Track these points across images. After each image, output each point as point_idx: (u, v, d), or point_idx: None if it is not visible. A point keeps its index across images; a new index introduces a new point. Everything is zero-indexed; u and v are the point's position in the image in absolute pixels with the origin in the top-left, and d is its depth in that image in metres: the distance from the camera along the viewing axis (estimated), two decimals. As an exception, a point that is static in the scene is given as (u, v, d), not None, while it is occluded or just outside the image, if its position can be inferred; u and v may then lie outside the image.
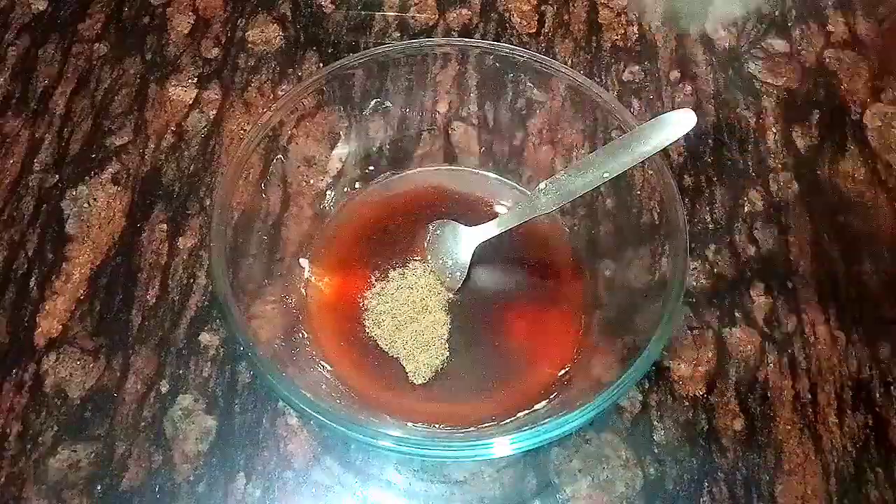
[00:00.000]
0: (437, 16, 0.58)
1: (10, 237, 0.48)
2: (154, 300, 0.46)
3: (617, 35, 0.58)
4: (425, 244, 0.45)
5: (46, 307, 0.45)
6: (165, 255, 0.47)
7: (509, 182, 0.49)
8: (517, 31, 0.58)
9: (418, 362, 0.42)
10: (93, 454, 0.41)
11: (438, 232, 0.45)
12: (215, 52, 0.56)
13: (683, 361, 0.44)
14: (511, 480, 0.41)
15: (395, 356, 0.42)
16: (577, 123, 0.46)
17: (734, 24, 0.59)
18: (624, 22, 0.58)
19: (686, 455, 0.42)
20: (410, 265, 0.45)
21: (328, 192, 0.48)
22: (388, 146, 0.49)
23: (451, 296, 0.44)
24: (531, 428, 0.34)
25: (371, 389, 0.42)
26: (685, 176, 0.51)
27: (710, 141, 0.53)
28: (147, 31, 0.57)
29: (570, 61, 0.56)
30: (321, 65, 0.56)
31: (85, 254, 0.47)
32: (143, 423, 0.42)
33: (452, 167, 0.50)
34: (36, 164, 0.51)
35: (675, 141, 0.39)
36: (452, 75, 0.50)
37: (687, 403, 0.43)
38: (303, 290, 0.45)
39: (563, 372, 0.42)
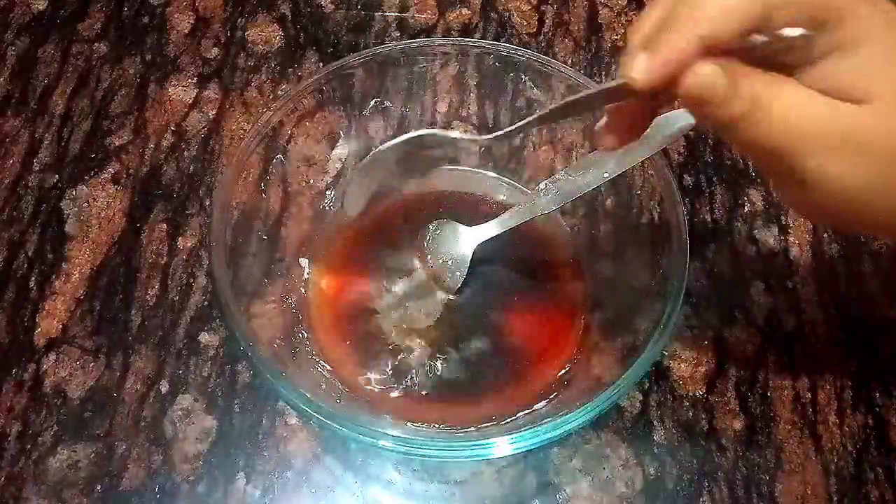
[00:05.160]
0: (436, 16, 0.58)
1: (10, 237, 0.48)
2: (154, 300, 0.46)
3: (617, 35, 0.58)
4: (425, 244, 0.45)
5: (46, 307, 0.45)
6: (165, 255, 0.47)
7: (509, 182, 0.49)
8: (517, 30, 0.58)
9: (418, 362, 0.42)
10: (93, 454, 0.41)
11: (438, 232, 0.45)
12: (215, 52, 0.56)
13: (683, 361, 0.44)
14: (511, 480, 0.41)
15: (395, 355, 0.42)
16: (577, 123, 0.46)
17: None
18: (624, 22, 0.58)
19: (686, 455, 0.42)
20: (410, 265, 0.45)
21: (328, 192, 0.48)
22: (387, 146, 0.49)
23: (450, 296, 0.44)
24: (531, 428, 0.34)
25: (371, 389, 0.42)
26: (685, 176, 0.51)
27: (710, 141, 0.53)
28: (147, 30, 0.57)
29: (570, 61, 0.56)
30: (321, 65, 0.56)
31: (85, 254, 0.47)
32: (143, 423, 0.42)
33: (452, 167, 0.50)
34: (36, 164, 0.51)
35: (675, 141, 0.39)
36: (452, 75, 0.50)
37: (687, 403, 0.43)
38: (303, 290, 0.45)
39: (563, 372, 0.42)
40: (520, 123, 0.32)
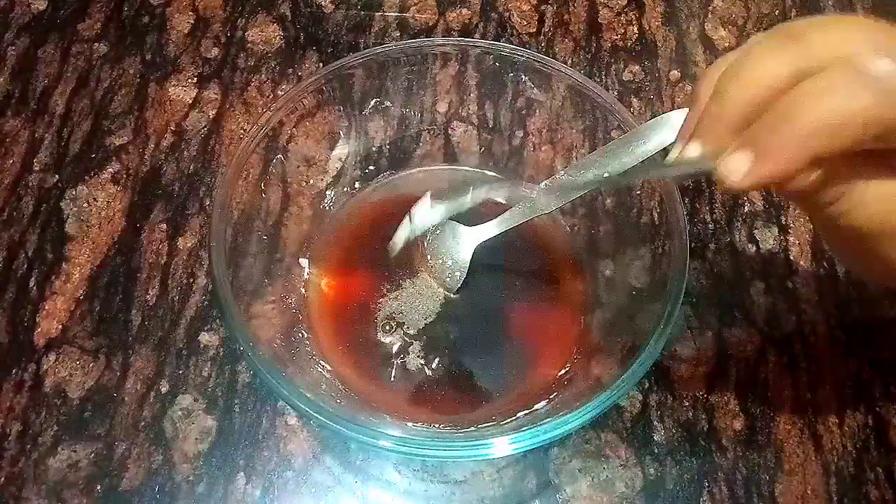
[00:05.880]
0: (437, 16, 0.58)
1: (9, 237, 0.48)
2: (154, 300, 0.46)
3: (617, 35, 0.58)
4: (425, 244, 0.45)
5: (46, 307, 0.45)
6: (165, 255, 0.47)
7: (509, 182, 0.49)
8: (517, 30, 0.58)
9: (418, 361, 0.42)
10: (93, 454, 0.41)
11: (438, 231, 0.45)
12: (215, 51, 0.56)
13: (683, 361, 0.44)
14: (511, 480, 0.41)
15: (395, 355, 0.42)
16: (577, 123, 0.46)
17: (734, 24, 0.59)
18: (624, 22, 0.58)
19: (686, 455, 0.42)
20: (410, 265, 0.45)
21: (328, 192, 0.48)
22: (388, 146, 0.49)
23: (450, 295, 0.44)
24: (531, 428, 0.34)
25: (371, 389, 0.42)
26: (685, 176, 0.51)
27: (710, 141, 0.53)
28: (147, 30, 0.57)
29: (570, 61, 0.56)
30: (321, 65, 0.56)
31: (85, 254, 0.47)
32: (143, 423, 0.42)
33: (452, 167, 0.50)
34: (36, 164, 0.51)
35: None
36: (452, 75, 0.50)
37: (687, 403, 0.43)
38: (303, 290, 0.45)
39: (563, 372, 0.42)
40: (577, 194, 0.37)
